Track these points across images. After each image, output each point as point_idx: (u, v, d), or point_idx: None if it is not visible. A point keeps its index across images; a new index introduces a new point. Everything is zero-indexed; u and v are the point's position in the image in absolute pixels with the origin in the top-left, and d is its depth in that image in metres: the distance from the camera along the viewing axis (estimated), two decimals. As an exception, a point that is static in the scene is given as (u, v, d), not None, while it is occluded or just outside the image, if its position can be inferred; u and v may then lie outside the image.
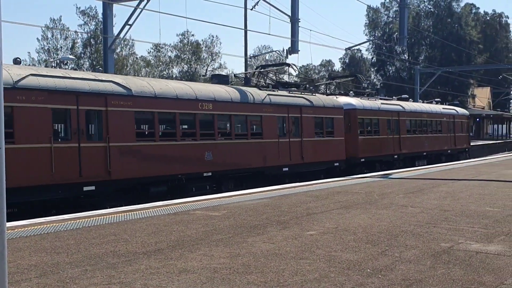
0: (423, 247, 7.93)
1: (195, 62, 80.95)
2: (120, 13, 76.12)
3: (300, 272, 6.62)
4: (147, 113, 17.27)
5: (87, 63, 66.91)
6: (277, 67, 29.46)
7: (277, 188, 16.35)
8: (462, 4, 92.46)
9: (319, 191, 15.38)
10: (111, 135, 15.83)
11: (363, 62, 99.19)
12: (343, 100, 27.48)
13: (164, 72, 77.14)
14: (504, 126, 75.03)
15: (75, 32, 65.08)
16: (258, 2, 28.69)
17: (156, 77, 72.79)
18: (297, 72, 31.40)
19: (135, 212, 11.52)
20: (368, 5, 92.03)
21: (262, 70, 26.51)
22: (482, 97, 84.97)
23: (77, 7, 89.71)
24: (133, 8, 28.71)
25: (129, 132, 16.45)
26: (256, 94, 21.73)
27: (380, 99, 32.20)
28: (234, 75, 28.89)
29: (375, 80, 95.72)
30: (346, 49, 56.62)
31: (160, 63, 78.34)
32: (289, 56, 28.36)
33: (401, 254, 7.54)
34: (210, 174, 19.11)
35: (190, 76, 73.53)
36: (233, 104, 20.25)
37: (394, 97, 36.20)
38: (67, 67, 61.73)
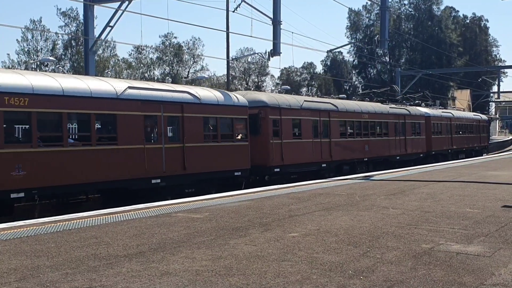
0: (404, 248, 7.98)
1: (177, 64, 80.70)
2: (101, 14, 75.77)
3: (282, 274, 6.63)
4: (342, 121, 28.02)
5: (68, 64, 66.42)
6: (383, 89, 42.59)
7: (259, 190, 16.36)
8: (442, 7, 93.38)
9: (301, 193, 15.41)
10: (332, 135, 26.69)
11: (345, 65, 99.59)
12: (423, 109, 38.64)
13: (146, 74, 76.80)
14: (484, 128, 76.03)
15: (56, 33, 64.62)
16: (240, 4, 28.69)
17: (138, 78, 72.52)
18: (398, 90, 41.81)
19: (116, 215, 11.45)
20: (349, 8, 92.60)
21: (374, 90, 39.94)
22: (462, 99, 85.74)
23: (57, 8, 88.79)
24: (115, 10, 28.57)
25: (338, 133, 27.36)
26: (383, 107, 33.10)
27: (439, 108, 43.95)
28: (358, 94, 37.61)
29: (356, 82, 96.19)
30: (327, 52, 56.82)
31: (142, 65, 78.00)
32: (271, 58, 28.34)
33: (382, 255, 7.58)
34: (366, 159, 29.86)
35: (172, 78, 73.30)
36: (376, 114, 31.44)
37: (439, 106, 47.58)
38: (47, 69, 61.25)
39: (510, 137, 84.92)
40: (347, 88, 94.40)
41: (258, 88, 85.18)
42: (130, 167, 16.82)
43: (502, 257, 7.48)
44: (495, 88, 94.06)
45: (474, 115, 50.86)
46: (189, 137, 18.77)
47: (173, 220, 10.70)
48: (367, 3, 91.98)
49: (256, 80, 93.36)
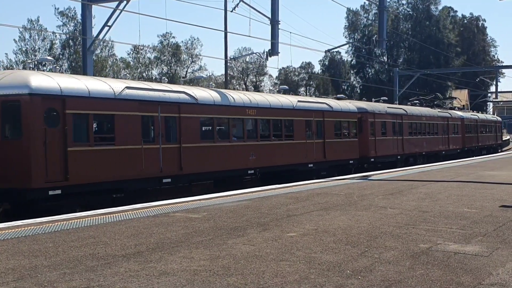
0: (402, 248, 7.99)
1: (175, 64, 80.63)
2: (99, 14, 75.45)
3: (280, 274, 6.63)
4: (409, 123, 35.23)
5: (66, 64, 66.31)
6: (430, 96, 50.27)
7: (257, 190, 16.36)
8: (440, 7, 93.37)
9: (299, 192, 15.41)
10: (404, 134, 33.77)
11: (343, 64, 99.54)
12: (459, 113, 46.88)
13: (144, 74, 76.73)
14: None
15: (53, 33, 64.43)
16: (238, 4, 28.70)
17: (136, 78, 72.46)
18: (441, 98, 49.50)
19: (114, 215, 11.44)
20: (348, 8, 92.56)
21: (422, 97, 48.42)
22: (460, 99, 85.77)
23: (55, 8, 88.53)
24: (113, 9, 28.54)
25: (407, 132, 34.48)
26: (433, 111, 40.83)
27: (467, 112, 52.72)
28: (409, 100, 47.37)
29: (354, 82, 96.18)
30: (325, 51, 56.71)
31: (140, 65, 77.91)
32: (269, 58, 28.34)
33: (380, 255, 7.59)
34: (424, 153, 37.14)
35: (170, 78, 73.21)
36: (430, 117, 38.93)
37: (467, 109, 57.82)
38: (45, 68, 61.18)
39: (508, 137, 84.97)
40: (345, 88, 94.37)
41: (256, 88, 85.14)
42: (298, 155, 24.40)
43: (500, 256, 7.49)
44: (492, 88, 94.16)
45: (491, 117, 60.12)
46: (327, 135, 26.47)
47: (171, 220, 10.69)
48: (365, 3, 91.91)
49: (254, 80, 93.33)
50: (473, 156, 42.89)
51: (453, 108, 49.25)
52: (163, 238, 8.86)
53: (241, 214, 11.36)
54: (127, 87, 16.92)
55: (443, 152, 40.68)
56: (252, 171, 21.55)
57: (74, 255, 7.73)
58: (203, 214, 11.49)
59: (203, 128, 20.16)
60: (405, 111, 35.16)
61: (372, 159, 30.19)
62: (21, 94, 14.38)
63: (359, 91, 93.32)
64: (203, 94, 19.94)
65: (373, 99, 38.24)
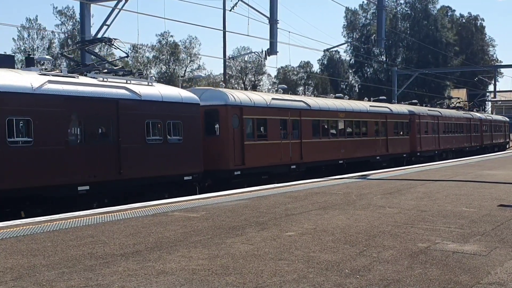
0: (400, 247, 7.99)
1: (174, 63, 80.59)
2: (98, 13, 75.09)
3: (279, 273, 6.63)
4: (443, 123, 40.85)
5: (65, 63, 66.19)
6: (453, 101, 58.64)
7: (255, 189, 16.35)
8: (438, 7, 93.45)
9: (297, 192, 15.41)
10: (439, 132, 39.49)
11: (341, 64, 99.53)
12: (478, 114, 52.42)
13: (143, 73, 76.59)
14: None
15: (52, 32, 64.41)
16: (237, 3, 28.71)
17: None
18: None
19: (112, 214, 11.44)
20: (346, 7, 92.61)
21: (451, 101, 57.81)
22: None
23: (54, 7, 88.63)
24: (111, 8, 28.53)
25: (442, 131, 40.63)
26: (459, 113, 46.59)
27: (483, 113, 60.27)
28: (435, 102, 53.16)
29: (353, 81, 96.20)
30: (324, 51, 56.64)
31: (138, 64, 77.84)
32: (267, 57, 28.35)
33: (379, 254, 7.59)
34: (453, 149, 42.73)
35: (168, 77, 73.17)
36: (457, 117, 44.96)
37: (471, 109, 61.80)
38: (44, 67, 61.00)
39: None
40: (344, 87, 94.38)
41: (255, 87, 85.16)
42: (371, 150, 30.41)
43: (498, 256, 7.50)
44: (491, 88, 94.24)
45: (501, 117, 66.41)
46: (389, 133, 32.50)
47: (169, 219, 10.69)
48: (363, 2, 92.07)
49: (252, 79, 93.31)
50: (489, 153, 47.73)
51: (471, 110, 55.47)
52: (161, 237, 8.86)
53: (239, 213, 11.36)
54: (273, 98, 23.40)
55: (467, 148, 46.48)
56: (341, 161, 27.52)
57: (72, 254, 7.72)
58: (201, 213, 11.49)
59: (313, 128, 25.85)
60: (440, 113, 41.30)
61: (418, 153, 36.04)
62: (219, 105, 20.65)
63: (357, 91, 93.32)
64: (312, 102, 26.16)
65: (372, 99, 38.35)
